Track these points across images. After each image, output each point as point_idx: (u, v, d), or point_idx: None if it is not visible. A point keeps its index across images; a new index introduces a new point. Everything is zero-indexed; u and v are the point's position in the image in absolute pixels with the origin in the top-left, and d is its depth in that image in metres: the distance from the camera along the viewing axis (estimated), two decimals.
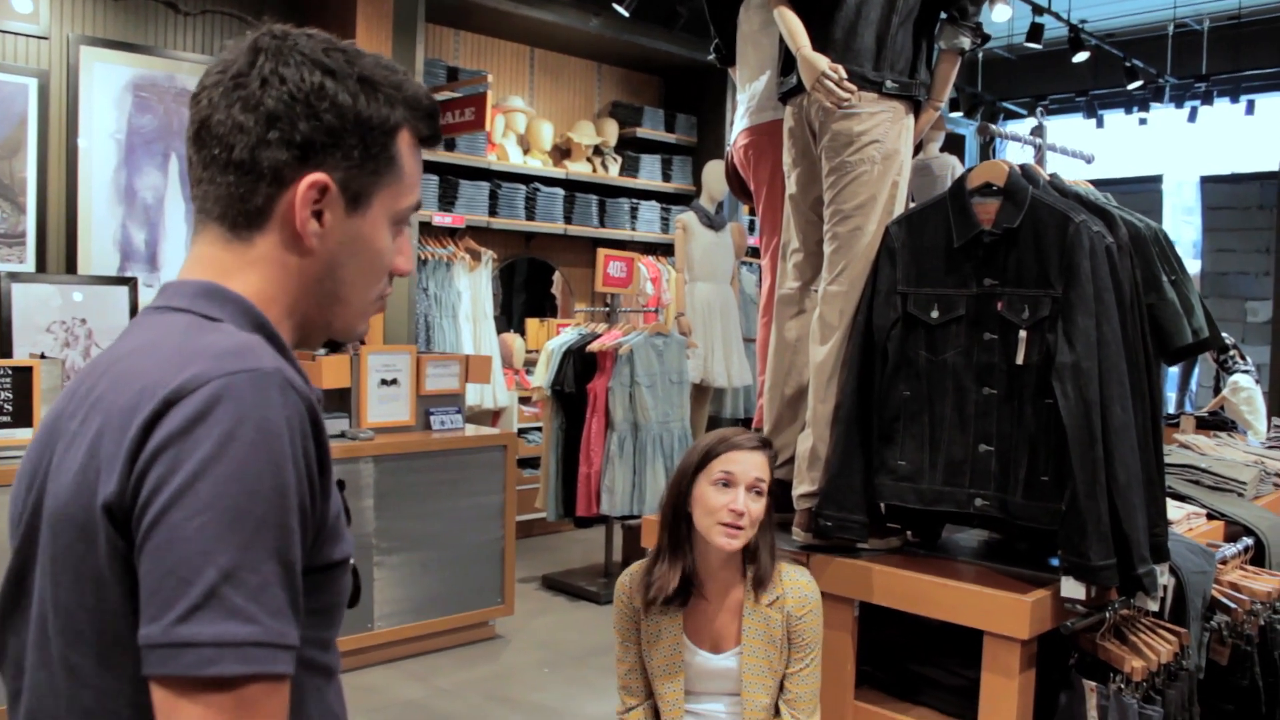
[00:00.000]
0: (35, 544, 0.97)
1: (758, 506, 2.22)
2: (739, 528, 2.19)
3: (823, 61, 2.61)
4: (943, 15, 2.76)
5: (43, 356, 4.06)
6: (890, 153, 2.67)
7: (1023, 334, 2.43)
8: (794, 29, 2.70)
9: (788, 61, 2.80)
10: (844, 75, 2.59)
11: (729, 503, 2.20)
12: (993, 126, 2.83)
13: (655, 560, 2.32)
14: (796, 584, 2.29)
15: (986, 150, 2.80)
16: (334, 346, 4.87)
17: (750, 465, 2.24)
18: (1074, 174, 2.84)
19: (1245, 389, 6.09)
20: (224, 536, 0.84)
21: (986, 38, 2.83)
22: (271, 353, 0.94)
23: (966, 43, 2.76)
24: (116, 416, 0.90)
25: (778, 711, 2.28)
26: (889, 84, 2.66)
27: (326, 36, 1.05)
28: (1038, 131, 2.87)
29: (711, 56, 3.58)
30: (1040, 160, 2.87)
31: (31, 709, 0.97)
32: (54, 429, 1.00)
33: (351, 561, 1.10)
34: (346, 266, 1.06)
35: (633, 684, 2.37)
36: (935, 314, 2.56)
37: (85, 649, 0.92)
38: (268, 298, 1.03)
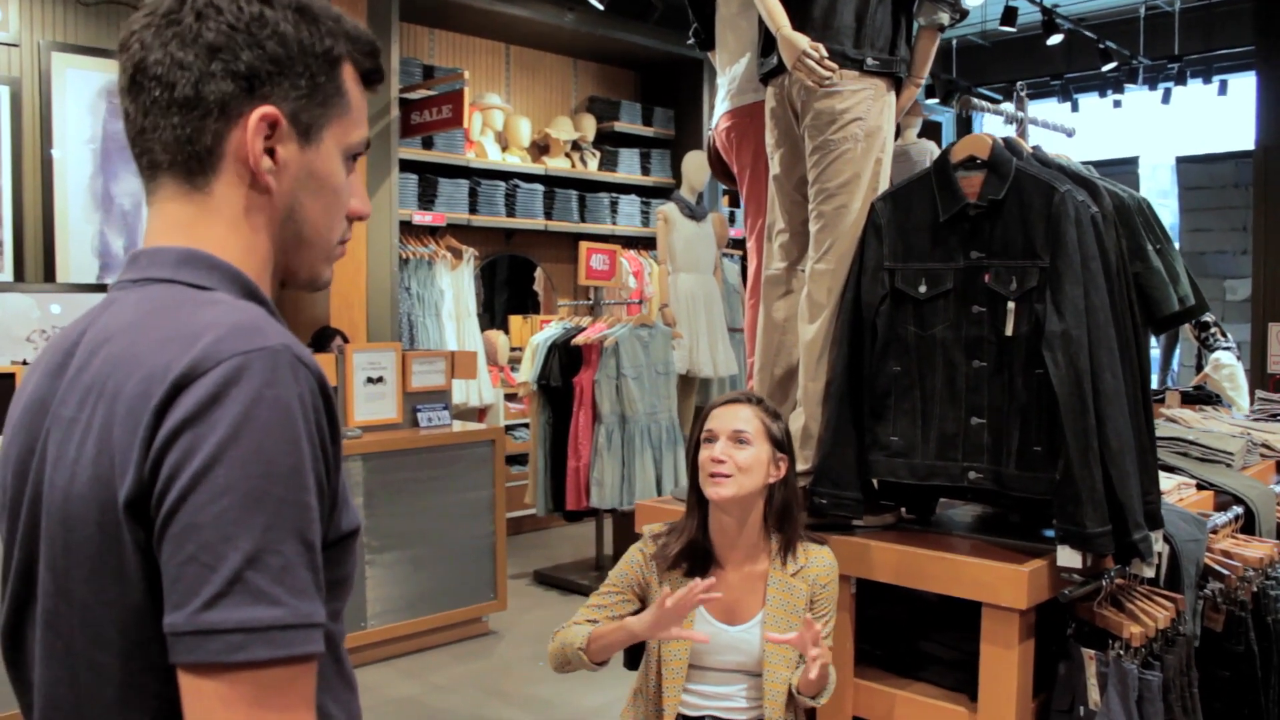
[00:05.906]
0: (38, 536, 0.94)
1: (743, 454, 2.22)
2: (721, 475, 2.20)
3: (803, 40, 2.60)
4: None
5: (24, 364, 4.02)
6: (873, 129, 2.67)
7: (1011, 305, 2.43)
8: (773, 9, 2.70)
9: (768, 42, 2.79)
10: (824, 54, 2.58)
11: (710, 454, 2.23)
12: (973, 100, 2.83)
13: (671, 529, 2.36)
14: (819, 554, 2.32)
15: (964, 124, 2.80)
16: (318, 345, 4.85)
17: (728, 418, 2.26)
18: (1056, 149, 2.85)
19: (1227, 365, 6.14)
20: (244, 520, 0.82)
21: (965, 13, 2.83)
22: (278, 328, 0.91)
23: (945, 18, 2.76)
24: (124, 404, 0.87)
25: (792, 696, 2.26)
26: (870, 61, 2.66)
27: None
28: (1019, 105, 2.87)
29: (690, 41, 3.57)
30: (1022, 134, 2.88)
31: (45, 705, 0.95)
32: (39, 413, 0.96)
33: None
34: (306, 205, 1.03)
35: (594, 617, 2.29)
36: (923, 289, 2.56)
37: (106, 643, 0.89)
38: (244, 252, 1.00)
